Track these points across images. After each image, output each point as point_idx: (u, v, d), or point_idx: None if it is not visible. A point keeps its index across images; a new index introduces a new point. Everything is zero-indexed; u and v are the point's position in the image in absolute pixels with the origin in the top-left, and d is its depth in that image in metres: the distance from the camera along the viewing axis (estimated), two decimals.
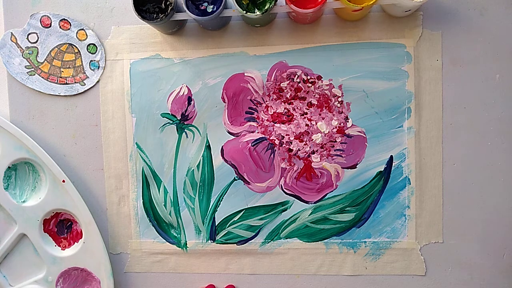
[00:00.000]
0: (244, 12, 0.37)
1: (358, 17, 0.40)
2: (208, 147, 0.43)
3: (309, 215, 0.42)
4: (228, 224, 0.43)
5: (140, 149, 0.43)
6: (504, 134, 0.41)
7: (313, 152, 0.42)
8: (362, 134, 0.41)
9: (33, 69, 0.43)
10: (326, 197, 0.42)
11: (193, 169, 0.43)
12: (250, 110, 0.42)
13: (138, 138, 0.43)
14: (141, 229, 0.44)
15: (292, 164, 0.42)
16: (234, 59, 0.42)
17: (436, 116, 0.41)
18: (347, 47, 0.41)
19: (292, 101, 0.42)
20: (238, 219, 0.43)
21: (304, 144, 0.42)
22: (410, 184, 0.41)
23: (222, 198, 0.43)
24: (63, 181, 0.42)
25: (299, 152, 0.42)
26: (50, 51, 0.43)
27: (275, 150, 0.42)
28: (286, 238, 0.43)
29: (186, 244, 0.44)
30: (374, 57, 0.40)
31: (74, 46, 0.43)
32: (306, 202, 0.42)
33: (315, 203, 0.42)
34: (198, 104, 0.42)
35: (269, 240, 0.43)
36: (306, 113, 0.42)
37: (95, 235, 0.42)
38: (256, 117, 0.42)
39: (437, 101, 0.41)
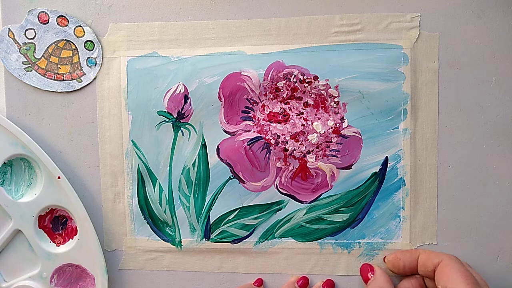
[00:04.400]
0: None
1: None
2: (204, 145, 0.43)
3: (303, 215, 0.42)
4: (222, 223, 0.43)
5: (136, 147, 0.43)
6: (499, 136, 0.41)
7: (308, 152, 0.42)
8: (357, 135, 0.41)
9: (30, 65, 0.43)
10: (321, 197, 0.42)
11: (189, 168, 0.43)
12: (246, 109, 0.42)
13: (134, 136, 0.43)
14: (136, 226, 0.44)
15: (288, 164, 0.42)
16: (231, 58, 0.42)
17: (432, 118, 0.41)
18: (344, 48, 0.41)
19: (288, 100, 0.42)
20: (233, 218, 0.43)
21: (300, 144, 0.42)
22: (405, 185, 0.41)
23: (217, 197, 0.43)
24: (59, 177, 0.42)
25: (294, 152, 0.42)
26: (48, 47, 0.43)
27: (271, 149, 0.42)
28: (281, 238, 0.43)
29: (181, 242, 0.44)
30: (371, 58, 0.40)
31: (72, 42, 0.43)
32: (301, 202, 0.42)
33: (310, 203, 0.42)
34: (195, 103, 0.42)
35: (263, 239, 0.43)
36: (302, 113, 0.41)
37: (90, 232, 0.42)
38: (252, 116, 0.42)
39: (433, 103, 0.41)
